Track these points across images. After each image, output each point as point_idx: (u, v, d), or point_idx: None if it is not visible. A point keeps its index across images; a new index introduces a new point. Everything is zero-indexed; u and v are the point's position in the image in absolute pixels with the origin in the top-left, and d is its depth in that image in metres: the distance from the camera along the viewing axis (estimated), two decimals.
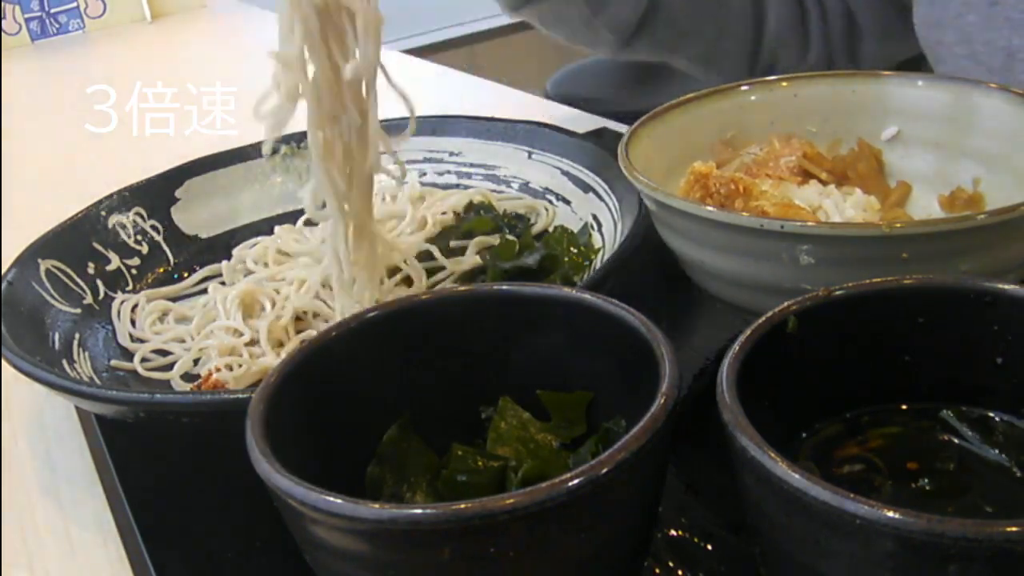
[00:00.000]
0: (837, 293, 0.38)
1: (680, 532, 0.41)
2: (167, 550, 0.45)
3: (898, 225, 0.44)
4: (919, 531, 0.26)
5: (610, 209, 0.63)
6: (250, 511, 0.40)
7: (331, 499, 0.30)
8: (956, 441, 0.38)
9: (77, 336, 0.59)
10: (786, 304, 0.37)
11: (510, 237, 0.65)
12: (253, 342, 0.59)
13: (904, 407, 0.40)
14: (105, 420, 0.54)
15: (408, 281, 0.62)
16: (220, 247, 0.71)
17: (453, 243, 0.65)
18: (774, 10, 0.82)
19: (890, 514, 0.27)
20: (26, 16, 1.67)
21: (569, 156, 0.70)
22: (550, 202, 0.70)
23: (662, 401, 0.33)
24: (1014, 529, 0.26)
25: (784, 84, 0.63)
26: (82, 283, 0.64)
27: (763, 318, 0.37)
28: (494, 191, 0.72)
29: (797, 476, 0.29)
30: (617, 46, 0.83)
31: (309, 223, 0.72)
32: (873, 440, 0.39)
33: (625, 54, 0.84)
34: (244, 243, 0.70)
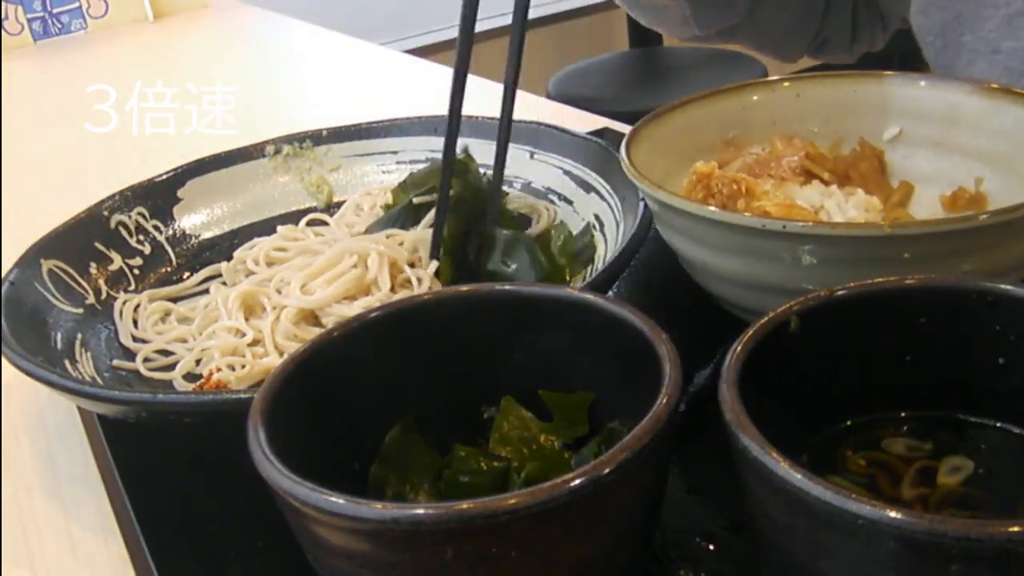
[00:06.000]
0: (839, 293, 0.38)
1: (682, 532, 0.41)
2: (169, 550, 0.45)
3: (900, 225, 0.44)
4: (921, 531, 0.26)
5: (612, 209, 0.63)
6: (252, 511, 0.40)
7: (333, 499, 0.30)
8: (963, 452, 0.38)
9: (79, 336, 0.59)
10: (788, 304, 0.37)
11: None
12: (256, 342, 0.59)
13: (910, 413, 0.40)
14: (107, 420, 0.54)
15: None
16: (223, 247, 0.71)
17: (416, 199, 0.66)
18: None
19: (892, 514, 0.27)
20: (28, 16, 1.67)
21: (571, 156, 0.70)
22: (552, 202, 0.70)
23: (664, 401, 0.33)
24: (1016, 529, 0.26)
25: (786, 84, 0.63)
26: (84, 283, 0.64)
27: (765, 318, 0.37)
28: None
29: (799, 476, 0.29)
30: (694, 39, 0.85)
31: (312, 223, 0.72)
32: (878, 443, 0.39)
33: (692, 40, 0.86)
34: (245, 244, 0.70)
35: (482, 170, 0.69)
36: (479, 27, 0.57)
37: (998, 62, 0.66)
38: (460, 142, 0.75)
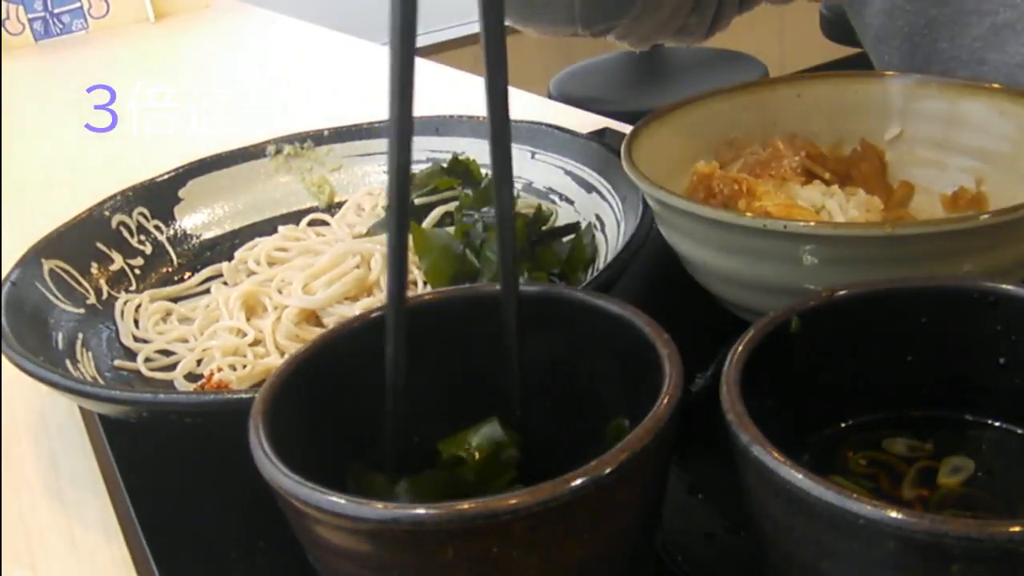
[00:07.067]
0: (840, 293, 0.38)
1: (682, 532, 0.41)
2: (170, 550, 0.45)
3: (901, 225, 0.44)
4: (922, 531, 0.26)
5: (613, 209, 0.63)
6: (253, 511, 0.40)
7: (334, 499, 0.30)
8: (963, 452, 0.38)
9: (80, 336, 0.59)
10: (789, 304, 0.37)
11: (467, 191, 0.66)
12: (257, 342, 0.59)
13: (910, 413, 0.40)
14: (108, 420, 0.54)
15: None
16: (224, 247, 0.71)
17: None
18: None
19: (893, 514, 0.27)
20: (30, 16, 1.67)
21: (572, 156, 0.70)
22: (553, 202, 0.70)
23: (665, 401, 0.33)
24: (1017, 529, 0.26)
25: (787, 84, 0.63)
26: (85, 283, 0.64)
27: (766, 318, 0.37)
28: None
29: (800, 476, 0.29)
30: (565, 35, 0.84)
31: (313, 223, 0.72)
32: (878, 443, 0.39)
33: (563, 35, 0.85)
34: (246, 244, 0.70)
35: (483, 171, 0.70)
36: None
37: (983, 74, 0.65)
38: (462, 142, 0.76)
